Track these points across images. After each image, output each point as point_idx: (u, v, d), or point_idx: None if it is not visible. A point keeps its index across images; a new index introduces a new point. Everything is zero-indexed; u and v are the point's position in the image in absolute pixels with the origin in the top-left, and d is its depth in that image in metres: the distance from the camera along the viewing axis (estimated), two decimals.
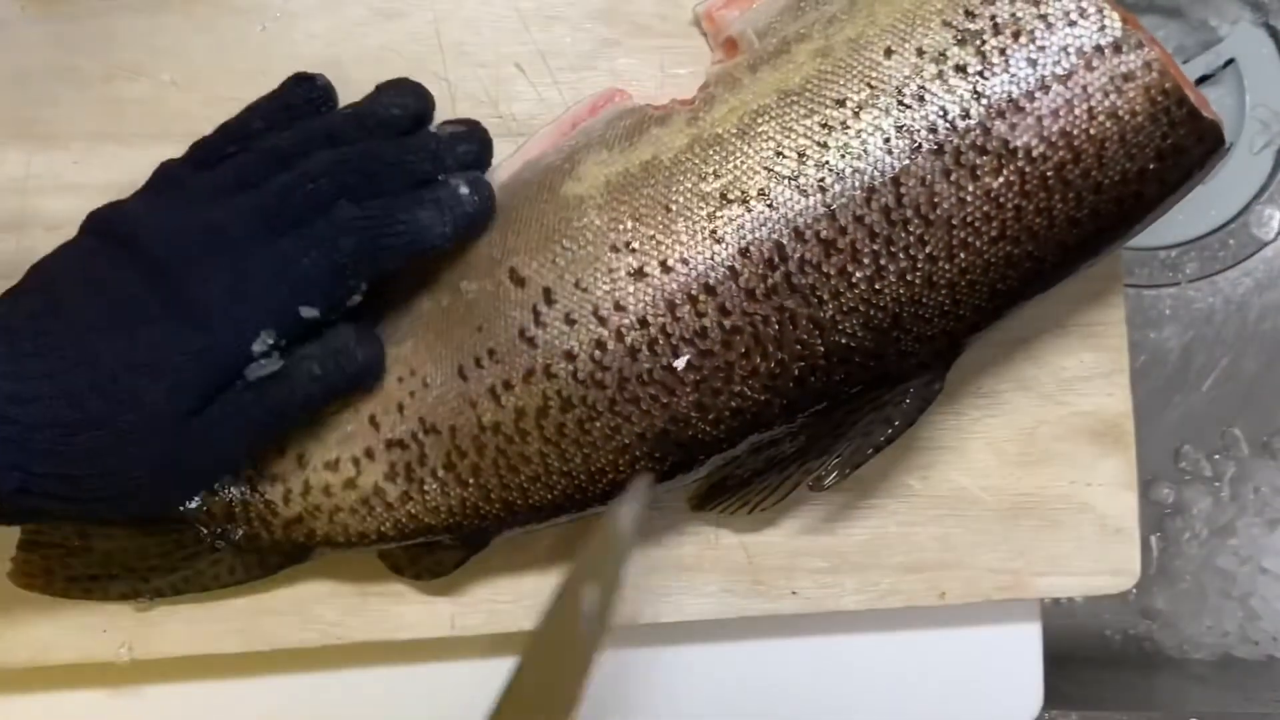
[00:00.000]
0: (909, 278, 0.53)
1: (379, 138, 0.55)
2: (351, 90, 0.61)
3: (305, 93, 0.57)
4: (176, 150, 0.60)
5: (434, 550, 0.60)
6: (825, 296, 0.53)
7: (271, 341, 0.51)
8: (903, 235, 0.52)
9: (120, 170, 0.60)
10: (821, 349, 0.54)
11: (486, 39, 0.62)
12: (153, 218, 0.52)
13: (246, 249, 0.51)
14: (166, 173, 0.55)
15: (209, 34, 0.61)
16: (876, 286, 0.53)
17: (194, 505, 0.56)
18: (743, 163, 0.53)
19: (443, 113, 0.61)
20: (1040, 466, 0.66)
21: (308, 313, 0.51)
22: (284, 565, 0.60)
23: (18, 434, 0.47)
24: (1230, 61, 0.96)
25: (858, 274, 0.53)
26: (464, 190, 0.54)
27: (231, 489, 0.57)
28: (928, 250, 0.52)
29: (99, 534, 0.58)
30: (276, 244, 0.51)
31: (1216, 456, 0.99)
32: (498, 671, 0.68)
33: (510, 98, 0.62)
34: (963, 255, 0.53)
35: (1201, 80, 0.96)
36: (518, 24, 0.62)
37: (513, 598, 0.64)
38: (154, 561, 0.59)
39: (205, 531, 0.58)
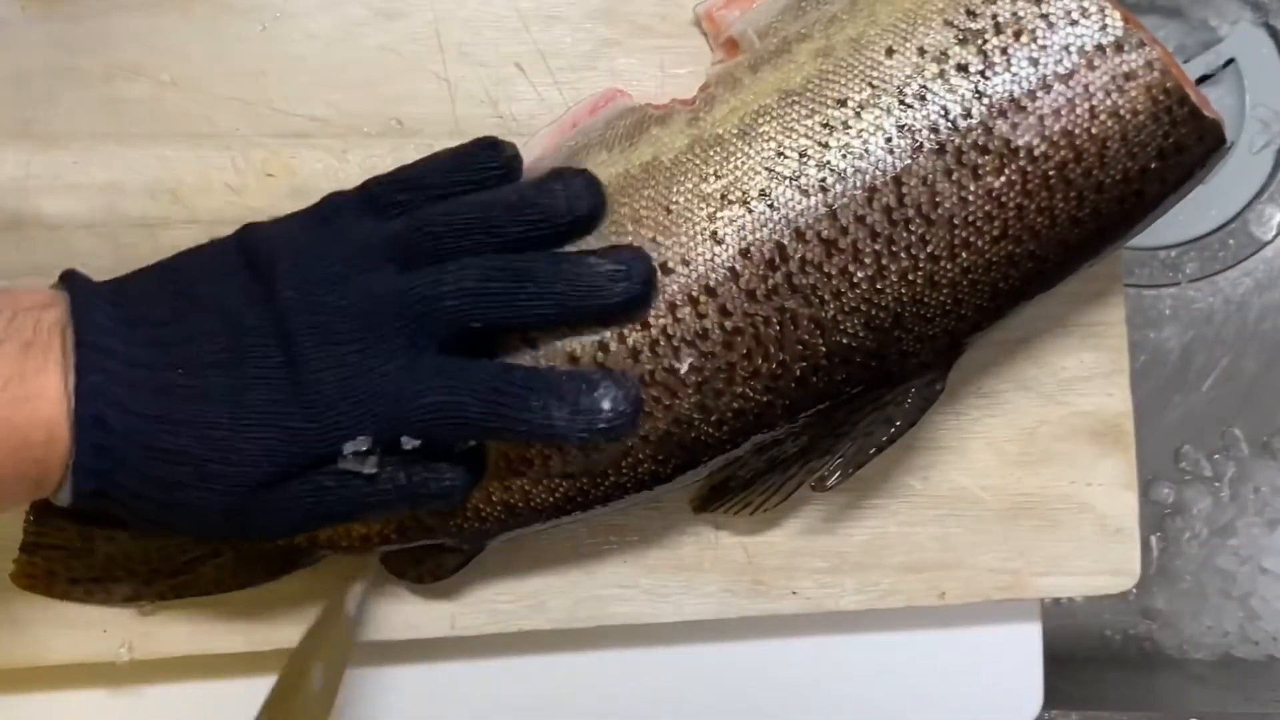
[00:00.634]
0: (911, 277, 0.53)
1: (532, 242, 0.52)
2: (352, 90, 0.61)
3: (486, 158, 0.54)
4: (176, 150, 0.60)
5: (435, 553, 0.60)
6: (827, 296, 0.53)
7: (365, 449, 0.49)
8: (904, 235, 0.52)
9: (120, 170, 0.60)
10: (823, 349, 0.54)
11: (486, 39, 0.62)
12: (302, 261, 0.50)
13: (380, 349, 0.48)
14: (334, 204, 0.53)
15: (209, 34, 0.61)
16: (878, 286, 0.53)
17: None
18: (743, 163, 0.53)
19: (443, 113, 0.62)
20: (1040, 466, 0.66)
21: (408, 443, 0.49)
22: (287, 569, 0.60)
23: (112, 442, 0.47)
24: (1230, 61, 0.96)
25: (859, 274, 0.53)
26: (606, 405, 0.49)
27: None
28: (929, 250, 0.52)
29: (101, 537, 0.58)
30: (413, 365, 0.49)
31: (1216, 456, 0.99)
32: (498, 671, 0.68)
33: (510, 98, 0.62)
34: (964, 255, 0.53)
35: (1201, 80, 0.96)
36: (518, 24, 0.62)
37: (513, 598, 0.64)
38: (157, 565, 0.59)
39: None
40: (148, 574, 0.59)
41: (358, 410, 0.48)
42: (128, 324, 0.48)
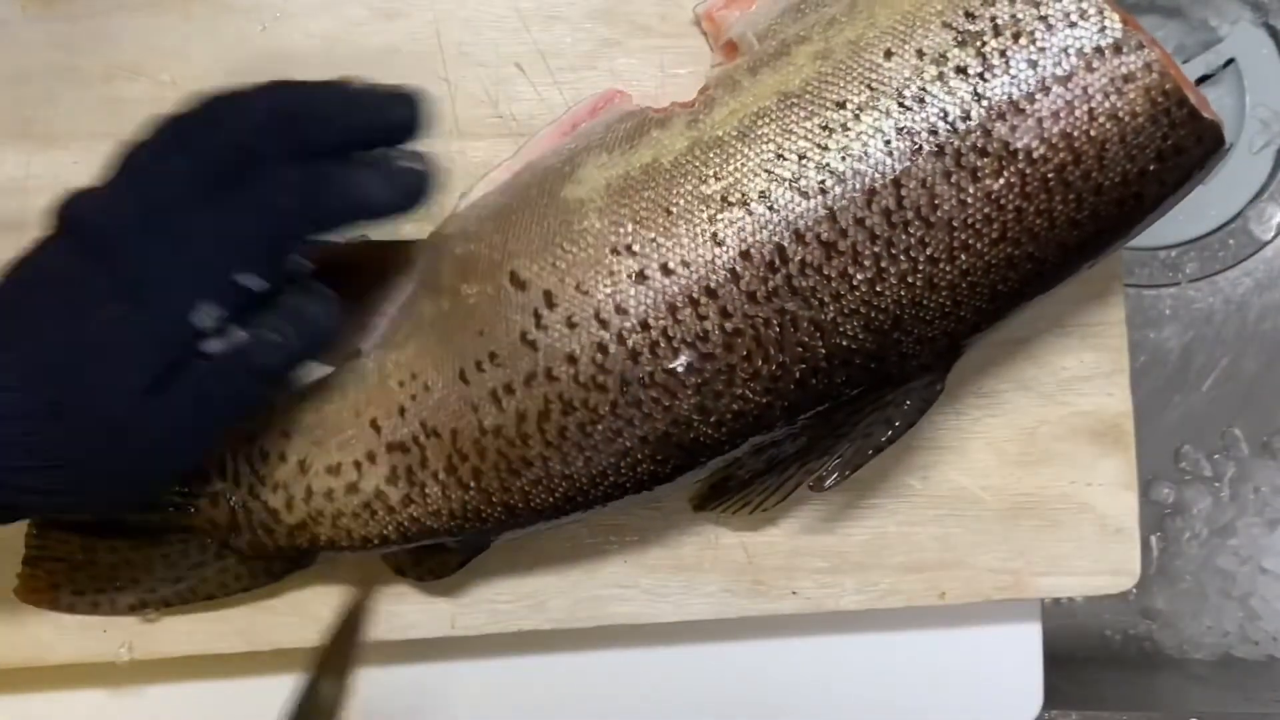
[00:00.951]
0: (910, 280, 0.53)
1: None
2: None
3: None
4: None
5: (436, 552, 0.60)
6: (826, 299, 0.53)
7: (216, 314, 0.49)
8: (903, 237, 0.52)
9: None
10: (823, 351, 0.54)
11: (486, 39, 0.62)
12: (97, 196, 0.50)
13: (183, 218, 0.49)
14: (132, 160, 0.53)
15: (209, 34, 0.61)
16: (877, 288, 0.53)
17: (180, 498, 0.56)
18: (743, 165, 0.53)
19: (443, 113, 0.62)
20: (1040, 466, 0.66)
21: (248, 281, 0.49)
22: (289, 571, 0.60)
23: None
24: (1230, 61, 0.96)
25: (859, 276, 0.53)
26: (403, 162, 0.51)
27: (234, 496, 0.57)
28: (929, 252, 0.52)
29: (104, 547, 0.59)
30: (213, 210, 0.49)
31: (1216, 456, 0.99)
32: (498, 672, 0.68)
33: (510, 98, 0.62)
34: (964, 257, 0.53)
35: (1201, 80, 0.96)
36: (518, 24, 0.62)
37: (513, 598, 0.64)
38: (160, 573, 0.59)
39: (209, 540, 0.58)
40: (152, 582, 0.59)
41: (186, 277, 0.48)
42: None
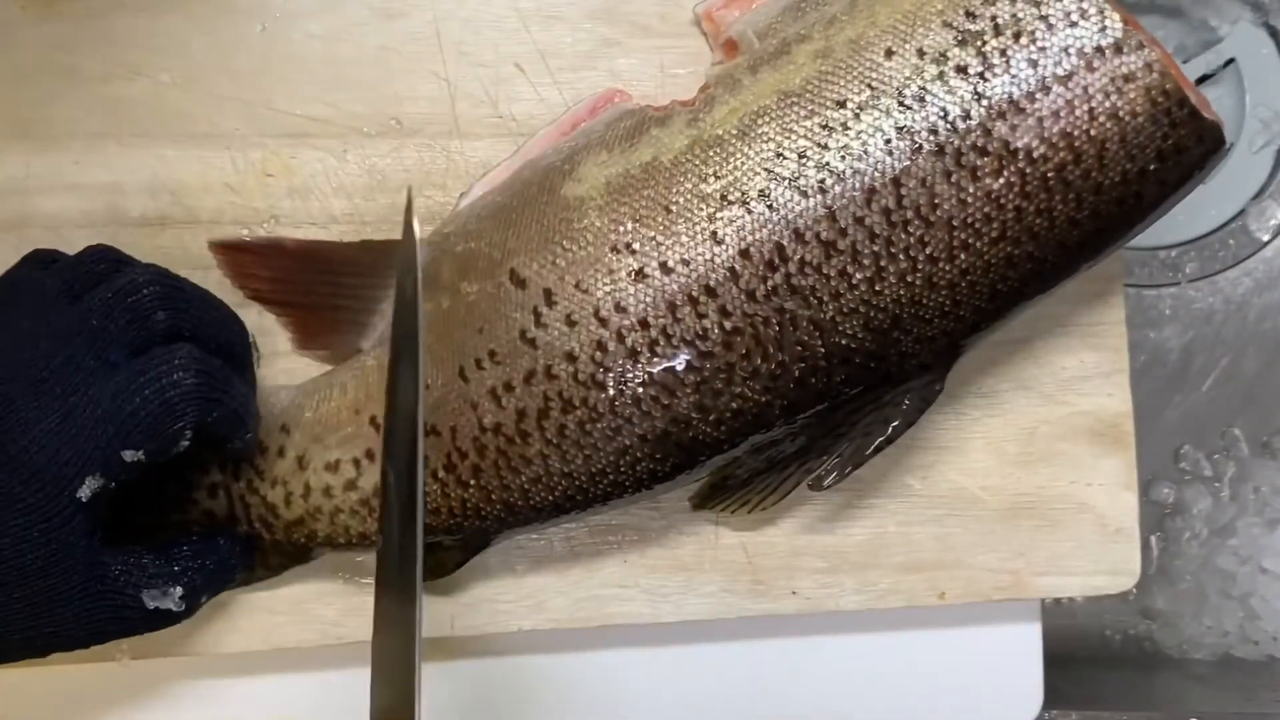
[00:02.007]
0: (909, 279, 0.53)
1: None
2: (352, 90, 0.61)
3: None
4: (176, 150, 0.60)
5: (435, 551, 0.60)
6: (826, 298, 0.53)
7: (97, 486, 0.49)
8: (903, 236, 0.52)
9: (120, 170, 0.60)
10: (822, 350, 0.54)
11: (486, 39, 0.62)
12: None
13: (74, 383, 0.49)
14: (9, 276, 0.54)
15: (209, 34, 0.61)
16: (877, 288, 0.53)
17: (178, 490, 0.57)
18: (743, 164, 0.53)
19: (443, 113, 0.62)
20: (1040, 466, 0.66)
21: (131, 456, 0.49)
22: (286, 566, 0.60)
23: None
24: (1230, 61, 0.96)
25: (858, 275, 0.53)
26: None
27: (232, 490, 0.57)
28: (928, 251, 0.52)
29: None
30: (107, 379, 0.49)
31: (1216, 456, 0.99)
32: (499, 671, 0.68)
33: (510, 98, 0.62)
34: (963, 256, 0.53)
35: (1201, 80, 0.96)
36: (518, 24, 0.62)
37: (513, 598, 0.64)
38: None
39: None
40: None
41: (73, 451, 0.48)
42: None
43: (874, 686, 0.70)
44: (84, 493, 0.48)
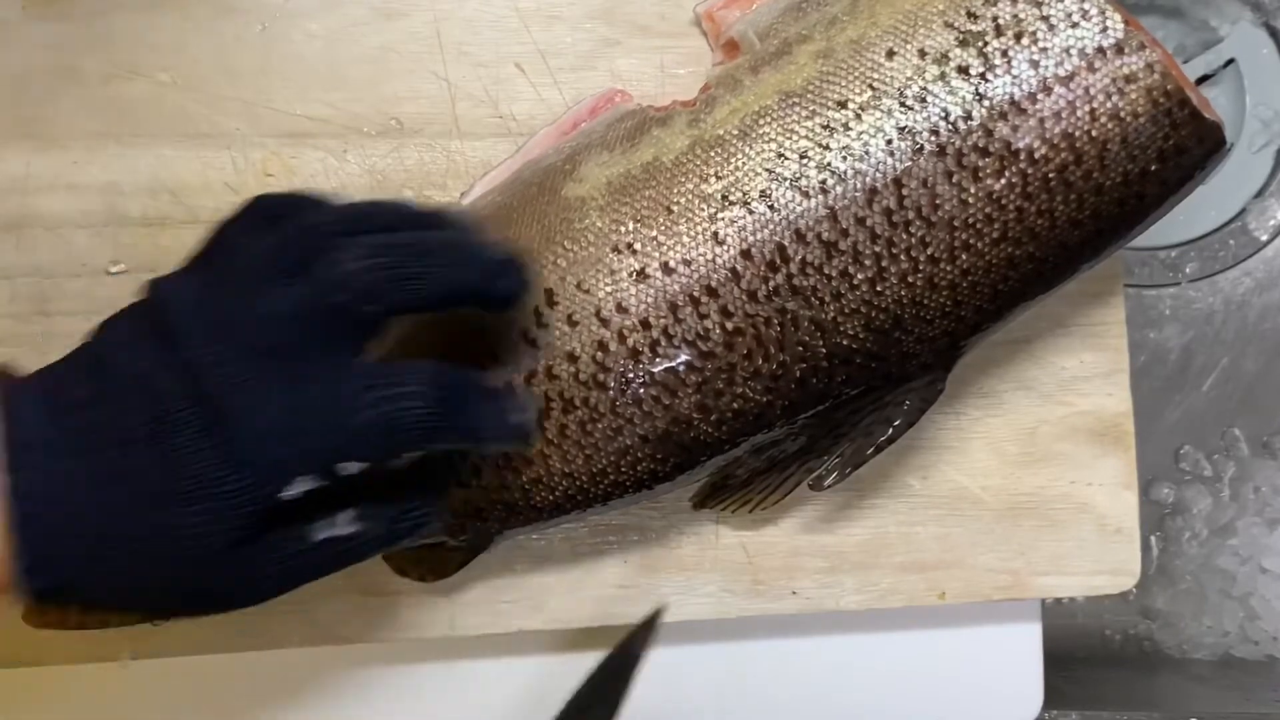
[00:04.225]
0: (911, 279, 0.53)
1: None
2: (352, 90, 0.61)
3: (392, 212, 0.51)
4: (176, 150, 0.60)
5: (437, 551, 0.60)
6: (827, 298, 0.53)
7: (308, 488, 0.47)
8: (904, 237, 0.52)
9: (120, 170, 0.60)
10: (823, 350, 0.54)
11: (486, 39, 0.62)
12: (201, 310, 0.47)
13: (298, 376, 0.46)
14: (222, 233, 0.50)
15: (209, 34, 0.61)
16: (878, 288, 0.53)
17: None
18: (744, 164, 0.53)
19: (443, 113, 0.62)
20: (1040, 466, 0.66)
21: (348, 469, 0.47)
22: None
23: (54, 540, 0.45)
24: (1230, 61, 0.96)
25: (859, 276, 0.53)
26: (525, 414, 0.49)
27: None
28: (929, 252, 0.52)
29: None
30: (333, 381, 0.47)
31: (1216, 456, 0.99)
32: (499, 671, 0.68)
33: (510, 98, 0.62)
34: (964, 257, 0.53)
35: (1201, 80, 0.96)
36: (518, 24, 0.62)
37: (513, 598, 0.64)
38: None
39: None
40: None
41: (290, 453, 0.46)
42: (56, 413, 0.46)
43: (874, 686, 0.70)
44: (290, 492, 0.46)
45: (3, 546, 0.45)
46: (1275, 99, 0.96)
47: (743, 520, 0.64)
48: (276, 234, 0.49)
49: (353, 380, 0.47)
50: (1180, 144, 0.53)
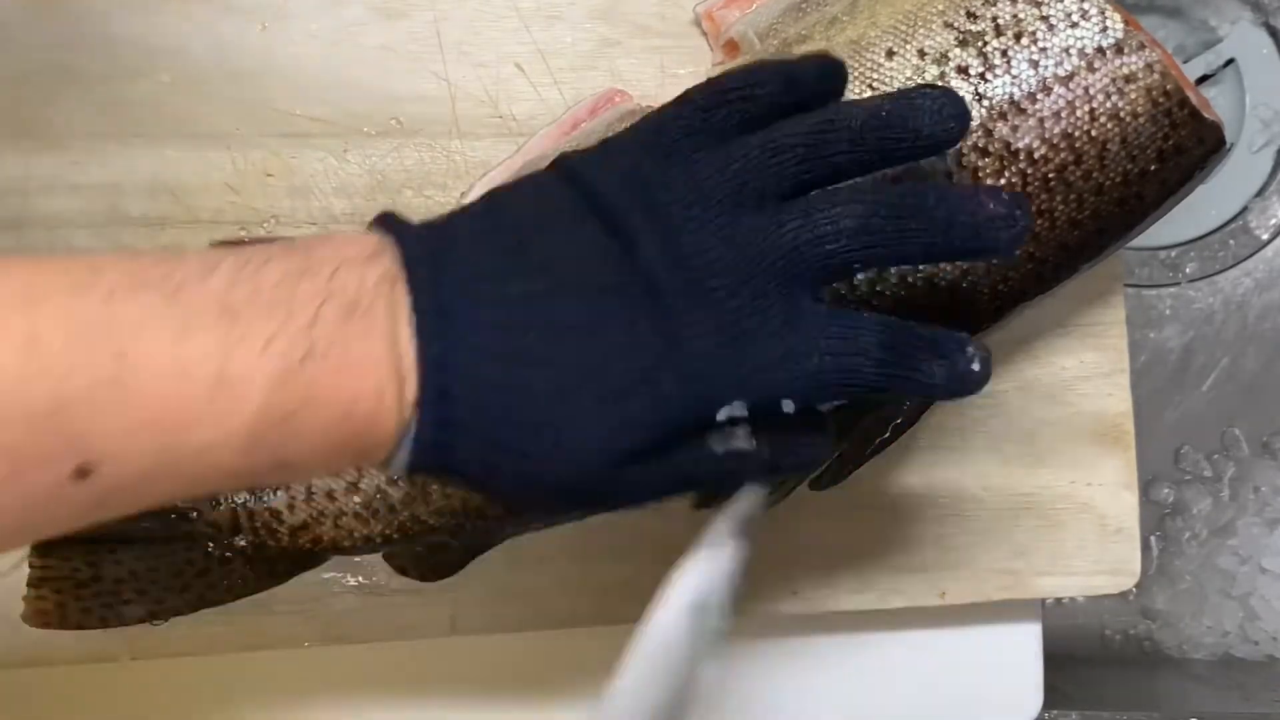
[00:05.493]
0: (911, 279, 0.53)
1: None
2: (352, 90, 0.61)
3: (822, 84, 0.46)
4: (176, 150, 0.60)
5: (438, 552, 0.60)
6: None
7: (737, 414, 0.44)
8: None
9: (120, 170, 0.60)
10: None
11: (486, 39, 0.62)
12: (658, 207, 0.44)
13: (756, 306, 0.44)
14: (664, 130, 0.46)
15: (209, 34, 0.61)
16: (878, 289, 0.53)
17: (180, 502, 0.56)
18: None
19: (443, 113, 0.62)
20: (1040, 466, 0.66)
21: (787, 406, 0.44)
22: (294, 572, 0.60)
23: (459, 416, 0.41)
24: (1230, 61, 0.96)
25: (859, 276, 0.52)
26: (975, 366, 0.45)
27: (235, 498, 0.57)
28: None
29: (109, 560, 0.58)
30: (792, 322, 0.44)
31: (1216, 456, 0.99)
32: (498, 671, 0.68)
33: (510, 98, 0.62)
34: None
35: (1201, 80, 0.96)
36: (518, 24, 0.62)
37: (513, 598, 0.64)
38: (165, 582, 0.59)
39: (212, 545, 0.58)
40: (158, 592, 0.59)
41: (734, 377, 0.43)
42: (466, 282, 0.42)
43: (874, 686, 0.70)
44: (723, 414, 0.43)
45: (387, 417, 0.41)
46: (1275, 99, 0.96)
47: None
48: (729, 150, 0.45)
49: (810, 323, 0.44)
50: (1180, 144, 0.53)
